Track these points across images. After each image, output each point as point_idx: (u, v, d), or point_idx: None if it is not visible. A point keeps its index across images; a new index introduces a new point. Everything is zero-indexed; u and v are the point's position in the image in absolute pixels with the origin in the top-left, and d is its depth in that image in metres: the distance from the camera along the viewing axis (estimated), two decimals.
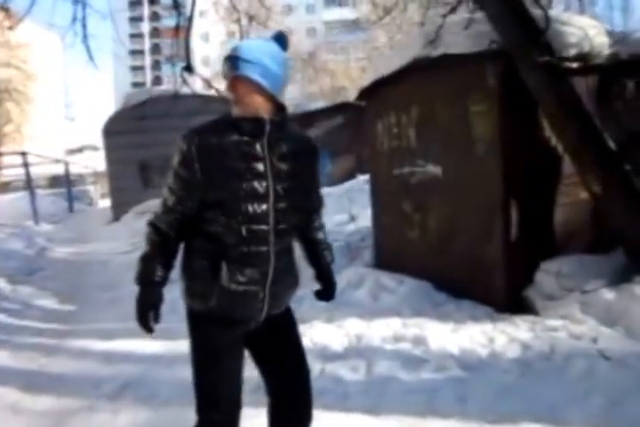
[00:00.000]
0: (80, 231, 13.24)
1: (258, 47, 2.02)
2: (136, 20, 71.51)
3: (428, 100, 5.30)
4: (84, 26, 5.73)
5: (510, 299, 4.64)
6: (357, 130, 10.91)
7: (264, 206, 1.99)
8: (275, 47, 2.05)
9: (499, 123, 4.59)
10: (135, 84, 65.19)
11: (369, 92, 6.35)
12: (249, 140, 1.99)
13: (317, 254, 2.39)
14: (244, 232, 1.97)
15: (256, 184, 1.97)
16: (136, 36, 71.40)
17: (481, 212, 4.81)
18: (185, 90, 7.84)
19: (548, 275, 4.57)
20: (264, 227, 1.99)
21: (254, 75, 1.97)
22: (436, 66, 5.05)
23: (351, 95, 14.14)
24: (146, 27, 71.45)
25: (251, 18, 8.87)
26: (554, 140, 4.69)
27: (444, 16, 4.89)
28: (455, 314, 4.67)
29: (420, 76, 5.29)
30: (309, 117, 13.49)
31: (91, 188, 25.41)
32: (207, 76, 7.56)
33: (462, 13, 5.74)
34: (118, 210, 13.40)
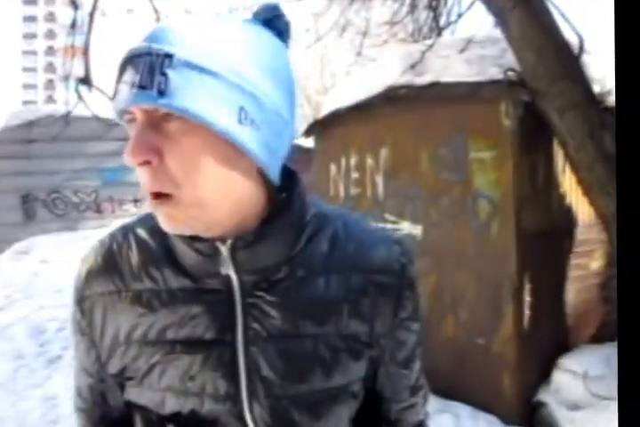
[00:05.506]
0: None
1: (226, 39, 0.75)
2: (30, 36, 67.70)
3: (407, 140, 4.09)
4: None
5: (523, 406, 3.52)
6: (303, 174, 9.35)
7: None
8: (265, 41, 0.79)
9: (512, 176, 3.51)
10: (26, 103, 61.06)
11: (321, 128, 5.05)
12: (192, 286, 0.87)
13: None
14: None
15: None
16: (29, 53, 67.52)
17: (482, 292, 3.68)
18: (82, 111, 6.33)
19: (571, 377, 3.49)
20: None
21: (222, 116, 0.72)
22: (421, 97, 3.91)
23: None
24: (40, 44, 67.70)
25: None
26: (570, 198, 3.71)
27: (438, 33, 3.79)
28: None
29: (395, 108, 4.11)
30: None
31: None
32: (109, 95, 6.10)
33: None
34: None
